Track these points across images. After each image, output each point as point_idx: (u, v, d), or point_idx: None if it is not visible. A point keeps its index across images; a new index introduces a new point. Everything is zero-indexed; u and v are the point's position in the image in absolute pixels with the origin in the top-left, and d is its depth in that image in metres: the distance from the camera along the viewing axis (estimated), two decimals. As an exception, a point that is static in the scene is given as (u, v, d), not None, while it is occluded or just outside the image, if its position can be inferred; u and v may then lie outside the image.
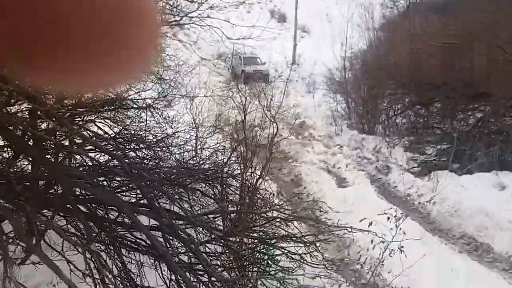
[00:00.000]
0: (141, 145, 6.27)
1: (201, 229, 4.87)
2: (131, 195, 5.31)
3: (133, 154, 6.14)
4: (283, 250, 5.09)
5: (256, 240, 5.30)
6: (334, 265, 5.65)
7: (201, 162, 6.67)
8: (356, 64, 17.73)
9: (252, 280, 4.99)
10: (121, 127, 6.46)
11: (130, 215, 3.88)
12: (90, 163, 5.23)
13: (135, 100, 6.58)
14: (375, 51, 17.50)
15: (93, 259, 3.72)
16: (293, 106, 15.93)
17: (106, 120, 6.31)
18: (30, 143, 4.82)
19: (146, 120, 6.98)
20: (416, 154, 12.41)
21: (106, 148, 5.26)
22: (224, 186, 6.15)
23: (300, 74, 23.33)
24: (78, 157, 5.60)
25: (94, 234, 4.29)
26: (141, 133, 6.70)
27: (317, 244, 5.35)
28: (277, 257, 5.14)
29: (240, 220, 5.65)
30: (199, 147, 7.87)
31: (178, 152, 6.91)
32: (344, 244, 7.61)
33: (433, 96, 12.75)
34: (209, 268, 4.16)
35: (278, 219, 5.35)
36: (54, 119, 4.47)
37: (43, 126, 5.04)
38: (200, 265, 4.27)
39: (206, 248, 4.99)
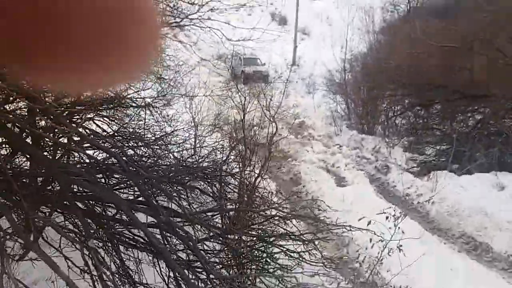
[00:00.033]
0: (140, 143, 6.27)
1: (199, 226, 4.86)
2: (129, 193, 5.31)
3: (131, 152, 6.14)
4: (281, 248, 5.08)
5: (254, 238, 5.29)
6: (332, 263, 5.64)
7: (200, 160, 6.66)
8: (356, 66, 17.74)
9: (250, 278, 4.99)
10: (120, 125, 6.46)
11: (127, 212, 3.88)
12: (88, 161, 5.23)
13: (134, 99, 6.59)
14: (376, 54, 17.51)
15: (91, 256, 3.71)
16: (293, 106, 15.93)
17: (105, 118, 6.32)
18: (28, 140, 4.83)
19: (145, 119, 6.99)
20: (415, 155, 12.41)
21: (104, 145, 5.25)
22: (223, 184, 6.14)
23: (300, 75, 23.34)
24: (76, 154, 5.61)
25: (92, 231, 4.28)
26: (140, 131, 6.70)
27: (316, 242, 5.33)
28: (275, 255, 5.12)
29: (238, 218, 5.64)
30: (198, 145, 7.87)
31: (177, 150, 6.90)
32: (343, 242, 7.60)
33: (433, 98, 12.74)
34: (207, 266, 4.15)
35: (276, 217, 5.35)
36: (52, 117, 4.47)
37: (42, 123, 5.04)
38: (199, 263, 4.26)
39: (205, 246, 4.98)
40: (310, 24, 29.68)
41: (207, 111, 9.43)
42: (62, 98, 4.37)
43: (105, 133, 6.14)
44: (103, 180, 5.05)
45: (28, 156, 4.93)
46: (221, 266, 5.07)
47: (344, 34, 18.22)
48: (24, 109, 4.99)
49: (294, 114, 13.57)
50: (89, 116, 6.01)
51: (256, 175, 6.31)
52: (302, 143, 13.79)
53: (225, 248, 5.19)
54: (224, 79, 14.96)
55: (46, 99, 4.17)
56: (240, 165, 6.52)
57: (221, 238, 4.98)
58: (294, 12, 26.53)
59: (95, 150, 5.45)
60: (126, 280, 4.24)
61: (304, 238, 5.23)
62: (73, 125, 5.20)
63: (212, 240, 4.98)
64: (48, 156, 4.99)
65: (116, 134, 6.24)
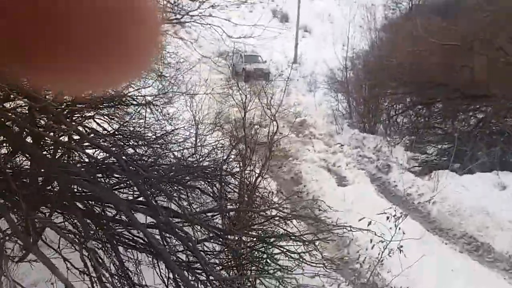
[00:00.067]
0: (140, 142, 6.24)
1: (199, 227, 4.83)
2: (129, 192, 5.29)
3: (131, 151, 6.11)
4: (282, 249, 5.05)
5: (254, 239, 5.26)
6: (333, 264, 5.62)
7: (200, 160, 6.63)
8: (357, 64, 17.68)
9: (250, 279, 4.96)
10: (120, 124, 6.43)
11: (126, 212, 3.85)
12: (87, 160, 5.20)
13: (135, 97, 6.56)
14: (377, 52, 17.47)
15: (90, 257, 3.69)
16: (294, 105, 15.87)
17: (105, 117, 6.29)
18: (28, 139, 4.80)
19: (145, 117, 6.96)
20: (417, 154, 12.37)
21: (103, 144, 5.23)
22: (223, 184, 6.11)
23: (301, 73, 23.28)
24: (76, 153, 5.58)
25: (91, 232, 4.26)
26: (140, 130, 6.67)
27: (316, 243, 5.30)
28: (276, 256, 5.10)
29: (238, 218, 5.62)
30: (198, 144, 7.84)
31: (177, 149, 6.87)
32: (343, 243, 7.57)
33: (434, 96, 12.71)
34: (207, 267, 4.13)
35: (277, 218, 5.32)
36: (52, 115, 4.45)
37: (42, 122, 5.01)
38: (198, 264, 4.24)
39: (204, 247, 4.96)
40: (312, 21, 29.61)
41: (208, 110, 9.39)
42: (62, 96, 4.34)
43: (106, 132, 6.11)
44: (102, 180, 5.03)
45: (27, 156, 4.90)
46: (221, 267, 5.05)
47: (346, 31, 18.17)
48: (24, 107, 4.96)
49: (295, 112, 13.51)
50: (89, 114, 5.99)
51: (256, 174, 6.28)
52: (303, 142, 13.76)
53: (225, 249, 5.16)
54: (225, 77, 14.89)
55: (47, 97, 4.15)
56: (241, 165, 6.49)
57: (221, 239, 4.96)
58: (295, 9, 26.45)
59: (95, 149, 5.42)
60: (125, 282, 4.22)
61: (305, 239, 5.20)
62: (73, 123, 5.18)
63: (212, 240, 4.95)
64: (48, 156, 4.95)
65: (116, 132, 6.21)
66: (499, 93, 10.28)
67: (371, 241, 5.68)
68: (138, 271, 4.48)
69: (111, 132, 6.17)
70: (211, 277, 4.13)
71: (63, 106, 4.98)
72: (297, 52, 25.79)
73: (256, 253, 5.26)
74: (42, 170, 4.72)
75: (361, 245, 6.96)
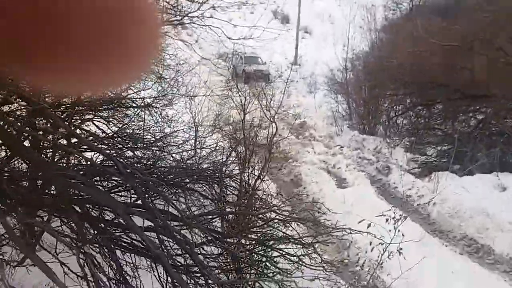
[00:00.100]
0: (139, 145, 6.22)
1: (197, 230, 4.81)
2: (126, 196, 5.26)
3: (130, 153, 6.09)
4: (281, 251, 5.04)
5: (254, 242, 5.24)
6: (333, 267, 5.60)
7: (199, 162, 6.61)
8: (357, 65, 17.66)
9: (250, 283, 4.94)
10: (119, 127, 6.41)
11: (124, 216, 3.83)
12: (85, 163, 5.18)
13: (134, 99, 6.54)
14: (377, 53, 17.44)
15: (87, 261, 3.66)
16: (294, 106, 15.84)
17: (104, 119, 6.28)
18: (26, 142, 4.78)
19: (144, 120, 6.94)
20: (416, 155, 12.33)
21: (100, 148, 5.21)
22: (222, 186, 6.09)
23: (301, 75, 23.25)
24: (73, 157, 5.55)
25: (90, 236, 4.24)
26: (139, 132, 6.65)
27: (316, 246, 5.29)
28: (275, 259, 5.08)
29: (237, 221, 5.60)
30: (198, 146, 7.82)
31: (176, 151, 6.85)
32: (343, 245, 7.54)
33: (434, 97, 12.68)
34: (205, 270, 4.10)
35: (276, 221, 5.30)
36: (50, 119, 4.43)
37: (40, 125, 5.00)
38: (197, 267, 4.21)
39: (203, 250, 4.93)
40: (312, 22, 29.60)
41: (208, 111, 9.37)
42: (61, 98, 4.33)
43: (104, 135, 6.09)
44: (100, 183, 5.00)
45: (25, 159, 4.88)
46: (219, 270, 5.03)
47: (346, 32, 18.14)
48: (23, 110, 4.94)
49: (295, 114, 13.49)
50: (88, 117, 5.98)
51: (256, 176, 6.26)
52: (303, 144, 13.73)
53: (224, 252, 5.14)
54: (225, 78, 14.88)
55: (46, 99, 4.13)
56: (240, 167, 6.47)
57: (219, 242, 4.93)
58: (296, 10, 26.43)
59: (93, 153, 5.40)
60: (123, 286, 4.19)
61: (304, 242, 5.19)
62: (72, 126, 5.16)
63: (210, 244, 4.93)
64: (45, 159, 4.94)
65: (115, 135, 6.20)
66: (499, 93, 10.26)
67: (370, 243, 5.65)
68: (136, 275, 4.44)
69: (110, 134, 6.15)
70: (209, 281, 4.10)
71: (61, 109, 4.97)
72: (297, 53, 25.76)
73: (255, 256, 5.24)
74: (40, 174, 4.70)
75: (361, 248, 6.93)
